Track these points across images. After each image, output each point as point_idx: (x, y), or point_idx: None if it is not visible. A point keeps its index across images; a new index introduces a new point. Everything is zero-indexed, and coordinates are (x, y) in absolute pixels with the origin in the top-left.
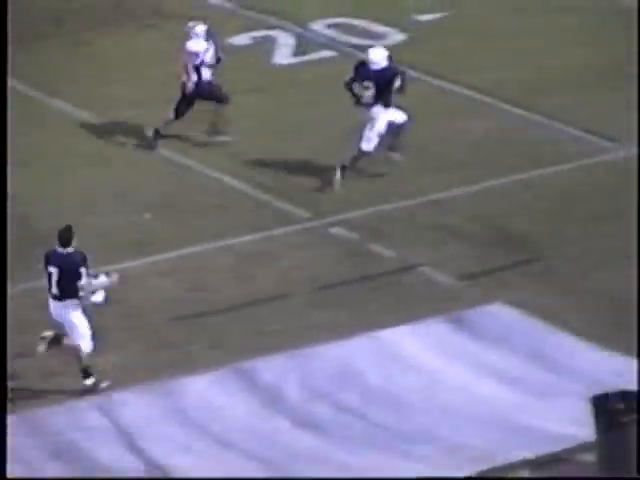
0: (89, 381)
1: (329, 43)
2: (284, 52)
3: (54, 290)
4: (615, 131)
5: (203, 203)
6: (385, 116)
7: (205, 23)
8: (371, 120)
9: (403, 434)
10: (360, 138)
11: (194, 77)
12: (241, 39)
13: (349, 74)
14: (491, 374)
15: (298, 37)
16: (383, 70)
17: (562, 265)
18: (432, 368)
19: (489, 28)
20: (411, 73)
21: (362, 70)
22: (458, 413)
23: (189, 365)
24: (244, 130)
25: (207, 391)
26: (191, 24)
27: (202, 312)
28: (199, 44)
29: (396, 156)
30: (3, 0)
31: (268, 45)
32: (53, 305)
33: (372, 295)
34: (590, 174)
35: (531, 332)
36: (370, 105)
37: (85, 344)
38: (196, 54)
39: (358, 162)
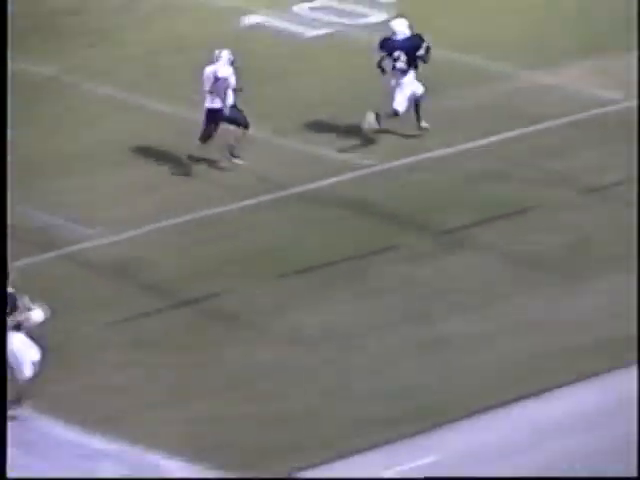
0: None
1: None
2: None
3: None
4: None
5: None
6: (414, 84)
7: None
8: (403, 85)
9: None
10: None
11: (226, 101)
12: None
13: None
14: None
15: None
16: (409, 39)
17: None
18: None
19: None
20: None
21: (387, 44)
22: None
23: None
24: None
25: None
26: (217, 51)
27: None
28: (227, 69)
29: (425, 124)
30: (3, 0)
31: None
32: None
33: None
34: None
35: None
36: (404, 71)
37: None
38: (225, 79)
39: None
